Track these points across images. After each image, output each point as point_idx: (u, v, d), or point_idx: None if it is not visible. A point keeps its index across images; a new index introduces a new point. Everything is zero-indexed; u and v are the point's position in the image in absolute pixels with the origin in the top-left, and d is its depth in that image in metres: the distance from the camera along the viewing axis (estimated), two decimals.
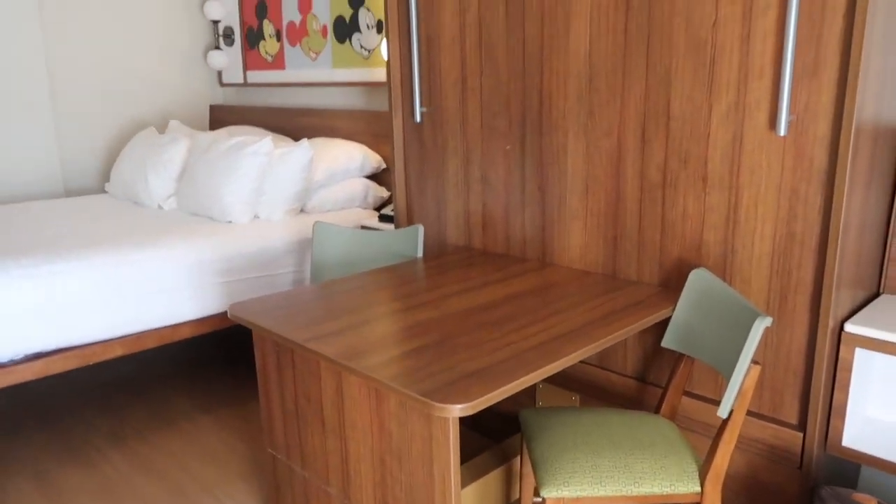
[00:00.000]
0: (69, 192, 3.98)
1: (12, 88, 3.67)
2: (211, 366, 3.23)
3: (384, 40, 3.09)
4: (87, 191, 4.06)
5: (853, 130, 1.50)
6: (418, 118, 2.47)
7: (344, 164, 3.18)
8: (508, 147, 2.23)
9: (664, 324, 1.91)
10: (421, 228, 2.32)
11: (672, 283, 1.90)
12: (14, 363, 2.25)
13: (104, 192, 4.10)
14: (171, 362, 3.26)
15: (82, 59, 3.93)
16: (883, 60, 1.57)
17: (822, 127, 1.56)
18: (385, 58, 3.06)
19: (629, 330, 1.60)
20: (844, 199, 1.53)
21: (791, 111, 1.59)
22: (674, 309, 1.75)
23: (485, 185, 2.33)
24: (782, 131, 1.59)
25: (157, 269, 2.53)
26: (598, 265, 2.06)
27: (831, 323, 1.61)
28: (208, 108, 4.51)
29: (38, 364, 2.30)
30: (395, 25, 2.51)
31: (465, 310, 1.74)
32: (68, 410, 2.79)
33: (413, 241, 2.35)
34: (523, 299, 1.81)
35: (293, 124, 3.83)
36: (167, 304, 2.57)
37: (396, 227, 2.67)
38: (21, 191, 3.78)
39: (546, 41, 2.06)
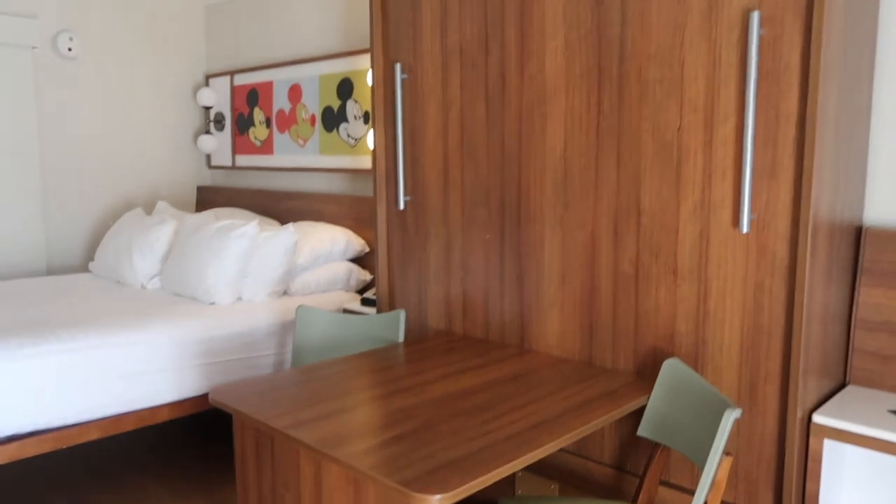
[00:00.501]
0: (52, 271, 4.00)
1: (4, 166, 3.74)
2: (187, 449, 3.17)
3: (371, 131, 3.23)
4: (71, 269, 4.07)
5: (810, 228, 1.60)
6: (402, 206, 2.56)
7: (328, 247, 3.25)
8: (488, 236, 2.31)
9: (641, 411, 1.95)
10: (403, 313, 2.37)
11: (647, 371, 1.95)
12: None
13: (87, 270, 4.12)
14: (147, 445, 3.20)
15: (74, 140, 4.03)
16: (835, 162, 1.69)
17: (783, 224, 1.66)
18: (371, 147, 3.20)
19: (605, 419, 1.64)
20: (806, 292, 1.62)
21: (752, 210, 1.70)
22: (648, 398, 1.79)
23: (465, 272, 2.40)
24: (745, 228, 1.68)
25: (138, 350, 2.54)
26: (574, 352, 2.11)
27: (800, 413, 1.66)
28: (195, 189, 4.60)
29: (11, 448, 2.26)
30: (381, 118, 2.63)
31: (445, 396, 1.77)
32: (37, 497, 2.72)
33: (395, 325, 2.39)
34: (502, 386, 1.84)
35: (279, 207, 3.92)
36: (147, 385, 2.56)
37: (379, 310, 2.72)
38: (3, 268, 3.78)
39: (524, 138, 2.18)
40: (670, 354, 1.89)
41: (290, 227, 3.08)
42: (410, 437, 1.51)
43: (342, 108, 3.51)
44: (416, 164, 2.54)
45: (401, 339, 2.36)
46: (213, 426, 3.41)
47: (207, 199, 4.49)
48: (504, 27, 2.19)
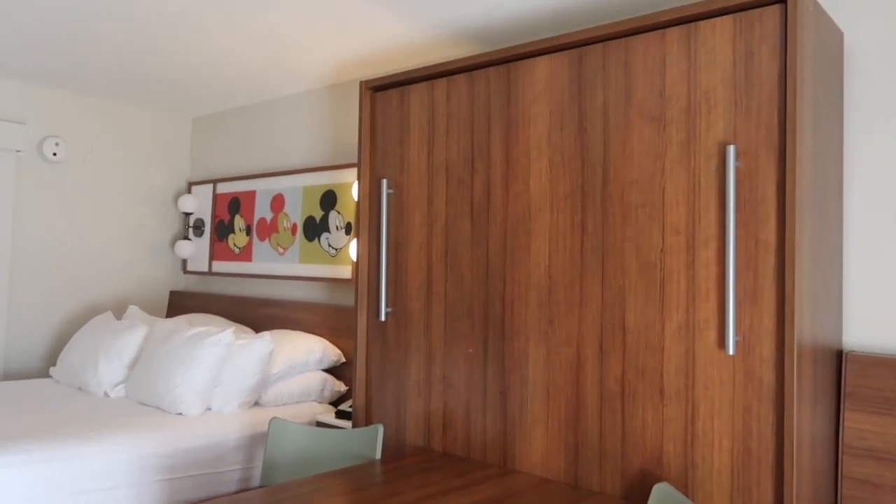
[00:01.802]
0: (9, 375, 3.82)
1: None
2: None
3: (353, 241, 3.26)
4: (29, 374, 3.90)
5: (795, 353, 1.62)
6: (383, 317, 2.54)
7: (304, 356, 3.18)
8: (471, 350, 2.29)
9: None
10: (381, 429, 2.29)
11: (634, 496, 1.89)
12: None
13: (48, 376, 3.95)
14: None
15: (47, 241, 3.99)
16: (813, 288, 1.74)
17: (767, 348, 1.68)
18: (353, 258, 3.21)
19: None
20: (795, 419, 1.61)
21: (737, 332, 1.72)
22: None
23: (446, 386, 2.35)
24: (731, 350, 1.70)
25: (94, 464, 2.39)
26: (559, 472, 2.04)
27: None
28: (168, 293, 4.53)
29: None
30: (365, 228, 2.67)
31: None
32: None
33: (372, 441, 2.31)
34: None
35: (254, 314, 3.87)
36: (100, 501, 2.39)
37: (354, 424, 2.63)
38: None
39: (509, 253, 2.22)
40: (659, 478, 1.84)
41: (267, 335, 3.02)
42: None
43: (324, 218, 3.56)
44: (398, 276, 2.55)
45: (378, 455, 2.27)
46: None
47: (180, 303, 4.41)
48: (490, 147, 2.28)
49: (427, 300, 2.45)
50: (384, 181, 2.55)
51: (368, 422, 2.62)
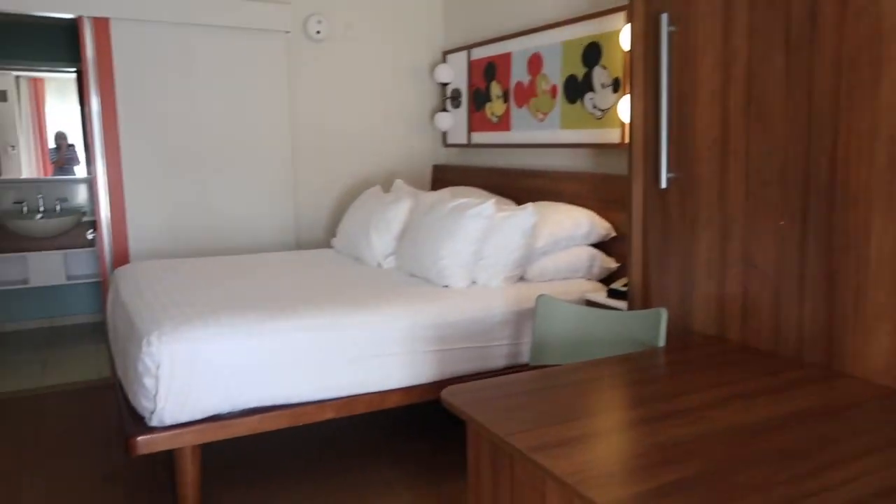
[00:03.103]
0: (300, 245, 4.19)
1: (262, 147, 3.97)
2: (421, 436, 3.09)
3: (624, 98, 2.83)
4: (316, 244, 4.24)
5: None
6: (664, 184, 2.15)
7: (569, 230, 2.93)
8: (783, 222, 1.82)
9: None
10: (664, 314, 1.97)
11: None
12: (231, 416, 2.26)
13: (330, 246, 4.26)
14: (381, 429, 3.17)
15: (319, 121, 4.17)
16: None
17: None
18: (623, 118, 2.80)
19: None
20: None
21: None
22: None
23: (747, 267, 1.93)
24: None
25: (373, 332, 2.45)
26: None
27: None
28: (431, 167, 4.55)
29: (253, 420, 2.29)
30: (640, 81, 2.23)
31: (732, 429, 1.36)
32: (268, 469, 2.78)
33: (653, 326, 2.01)
34: (814, 424, 1.38)
35: (516, 186, 3.69)
36: (379, 369, 2.47)
37: (630, 306, 2.34)
38: (260, 241, 4.03)
39: (843, 95, 1.65)
40: None
41: (530, 207, 2.80)
42: (697, 485, 1.14)
43: (587, 76, 3.15)
44: (682, 135, 2.10)
45: (660, 343, 1.97)
46: (445, 413, 3.29)
47: (443, 177, 4.41)
48: None
49: (721, 162, 1.99)
50: (663, 16, 2.07)
51: (646, 304, 2.31)
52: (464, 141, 4.21)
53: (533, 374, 1.72)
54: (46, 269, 4.70)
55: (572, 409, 1.48)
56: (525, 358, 2.79)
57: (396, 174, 4.45)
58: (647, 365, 1.79)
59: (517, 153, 3.81)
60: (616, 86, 2.99)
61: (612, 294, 2.64)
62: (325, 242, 4.27)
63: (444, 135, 4.43)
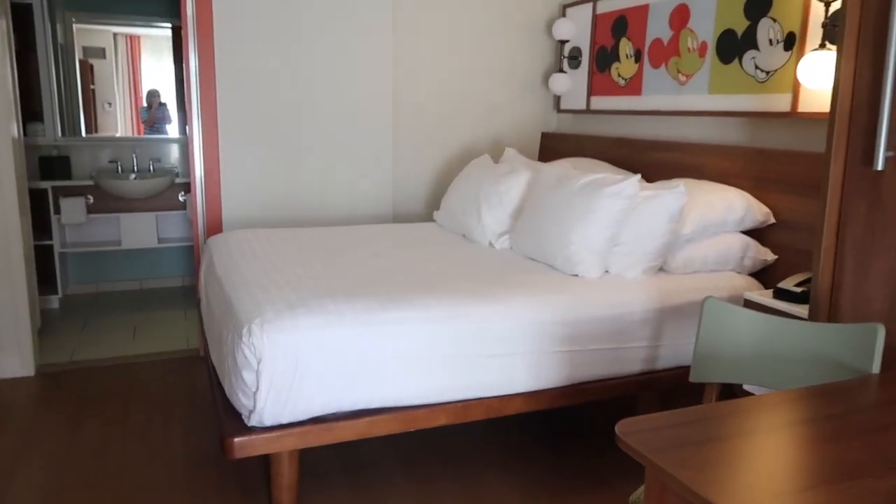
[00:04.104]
0: (397, 218, 3.89)
1: (363, 110, 3.66)
2: (537, 443, 2.76)
3: (808, 57, 2.33)
4: (412, 216, 3.93)
5: None
6: (880, 165, 1.69)
7: (721, 214, 2.49)
8: None
9: None
10: (881, 330, 1.54)
11: None
12: (336, 419, 1.98)
13: (432, 220, 3.94)
14: (487, 430, 2.86)
15: (422, 85, 3.81)
16: None
17: None
18: (801, 81, 2.29)
19: None
20: None
21: None
22: None
23: None
24: None
25: (496, 327, 2.11)
26: None
27: None
28: (539, 135, 4.14)
29: (361, 424, 2.01)
30: (852, 35, 1.76)
31: None
32: (367, 471, 2.52)
33: (862, 345, 1.58)
34: None
35: (642, 159, 3.24)
36: (500, 370, 2.14)
37: (812, 315, 1.91)
38: (357, 212, 3.75)
39: None
40: None
41: (681, 186, 2.38)
42: None
43: (750, 30, 2.66)
44: None
45: (874, 369, 1.55)
46: (564, 419, 2.95)
47: (553, 147, 4.00)
48: None
49: None
50: None
51: (834, 313, 1.87)
52: (581, 106, 3.77)
53: (721, 408, 1.34)
54: (139, 230, 4.60)
55: (790, 467, 1.10)
56: (663, 363, 2.40)
57: (502, 142, 4.07)
58: (871, 402, 1.38)
59: (647, 122, 3.36)
60: (789, 42, 2.49)
61: (780, 295, 2.20)
62: (425, 216, 3.95)
63: (558, 99, 4.00)
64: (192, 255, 4.93)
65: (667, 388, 2.44)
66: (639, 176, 2.42)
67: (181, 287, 4.91)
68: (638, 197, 2.42)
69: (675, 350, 2.40)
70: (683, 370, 2.43)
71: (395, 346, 1.99)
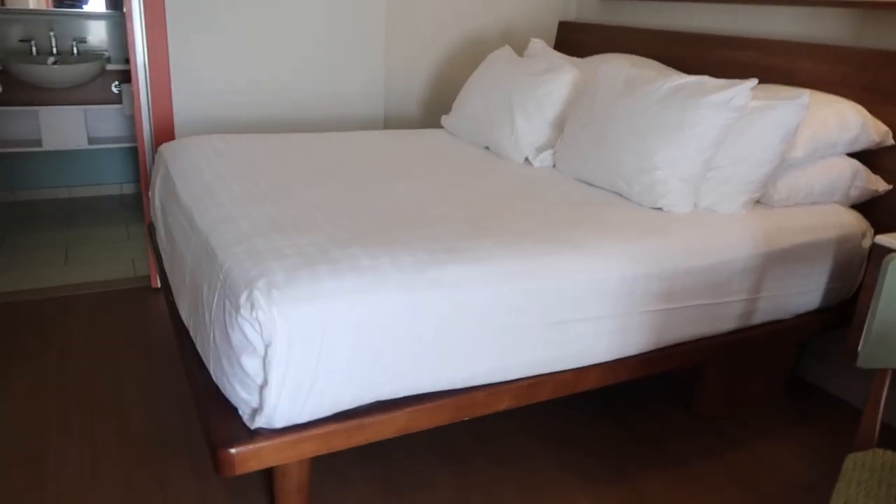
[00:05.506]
0: (389, 122, 3.23)
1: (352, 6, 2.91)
2: (587, 416, 2.29)
3: None
4: (410, 121, 3.27)
5: None
6: None
7: (834, 133, 1.98)
8: None
9: None
10: None
11: None
12: (368, 412, 1.44)
13: (436, 126, 3.29)
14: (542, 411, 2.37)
15: None
16: None
17: None
18: None
19: None
20: None
21: None
22: None
23: None
24: None
25: (582, 285, 1.57)
26: None
27: None
28: (555, 24, 3.48)
29: (400, 416, 1.47)
30: None
31: None
32: (404, 456, 2.01)
33: None
34: None
35: (700, 59, 2.66)
36: (579, 338, 1.62)
37: None
38: (342, 114, 3.07)
39: None
40: None
41: (805, 95, 1.83)
42: None
43: None
44: None
45: None
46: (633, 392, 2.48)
47: (573, 40, 3.35)
48: None
49: None
50: None
51: None
52: None
53: None
54: (63, 128, 3.77)
55: None
56: (760, 317, 1.94)
57: (511, 33, 3.39)
58: None
59: (708, 10, 2.75)
60: None
61: None
62: (423, 120, 3.29)
63: None
64: (132, 160, 4.14)
65: (761, 349, 2.00)
66: (755, 81, 1.84)
67: (119, 196, 4.14)
68: (747, 109, 1.86)
69: (775, 302, 1.93)
70: (780, 325, 1.98)
71: (452, 313, 1.43)
